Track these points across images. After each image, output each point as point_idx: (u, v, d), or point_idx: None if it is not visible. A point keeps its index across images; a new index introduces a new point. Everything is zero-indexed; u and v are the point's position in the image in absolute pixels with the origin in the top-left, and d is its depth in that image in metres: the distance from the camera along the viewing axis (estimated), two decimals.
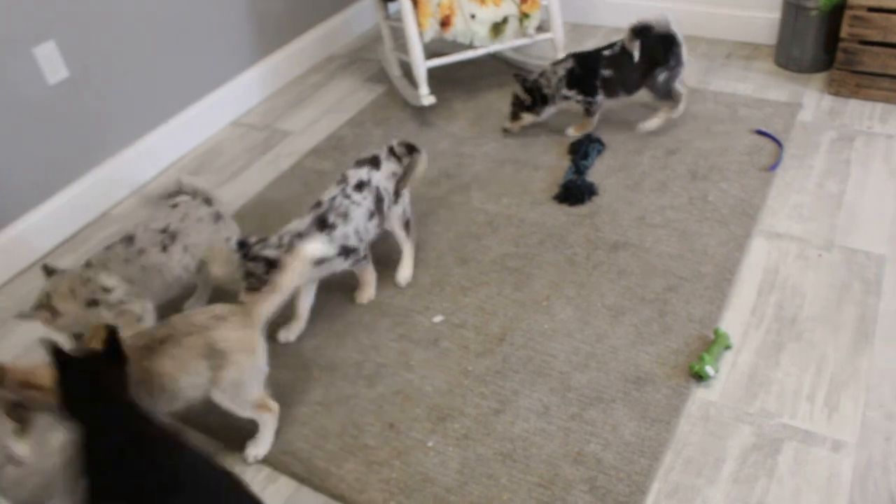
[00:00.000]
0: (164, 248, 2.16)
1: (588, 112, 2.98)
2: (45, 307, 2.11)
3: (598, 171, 2.81)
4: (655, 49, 2.80)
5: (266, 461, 1.94)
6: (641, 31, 2.80)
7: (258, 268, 2.05)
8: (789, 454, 1.82)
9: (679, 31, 2.80)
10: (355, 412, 2.03)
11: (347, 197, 2.22)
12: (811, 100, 3.11)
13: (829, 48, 3.19)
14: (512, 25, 3.18)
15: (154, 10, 3.01)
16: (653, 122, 2.96)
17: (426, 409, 2.02)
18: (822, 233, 2.45)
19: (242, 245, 2.08)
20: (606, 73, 2.87)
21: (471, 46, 3.19)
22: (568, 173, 2.78)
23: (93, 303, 2.10)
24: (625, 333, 2.16)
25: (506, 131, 3.11)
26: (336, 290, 2.38)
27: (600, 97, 2.93)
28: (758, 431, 1.88)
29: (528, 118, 3.03)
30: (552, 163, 2.90)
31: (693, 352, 2.08)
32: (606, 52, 2.88)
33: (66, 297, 2.09)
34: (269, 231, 2.16)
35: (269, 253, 2.06)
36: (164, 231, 2.18)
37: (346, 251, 2.21)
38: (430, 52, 3.22)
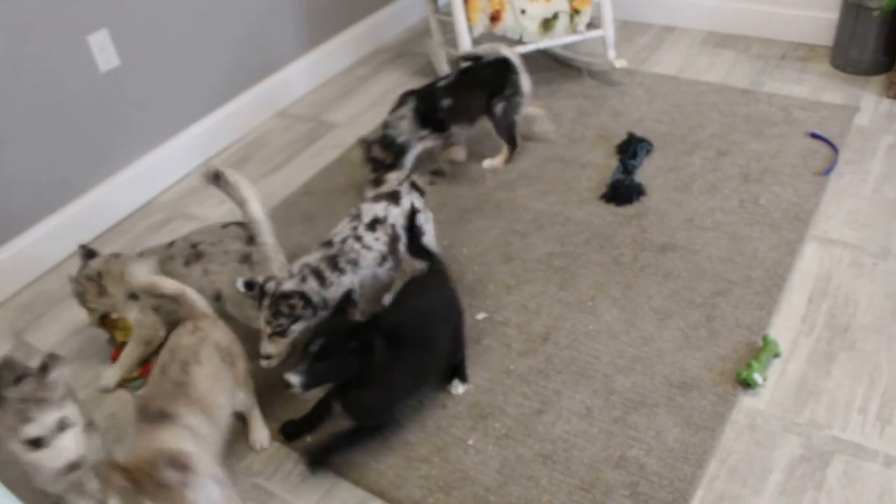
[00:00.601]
0: (186, 264, 2.08)
1: (451, 144, 2.89)
2: (95, 282, 2.15)
3: (647, 172, 2.77)
4: (491, 78, 2.75)
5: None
6: (469, 58, 2.82)
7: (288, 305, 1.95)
8: (839, 468, 1.77)
9: (516, 59, 2.75)
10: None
11: (359, 239, 2.09)
12: (869, 103, 3.03)
13: (889, 50, 3.10)
14: (562, 22, 3.14)
15: (204, 0, 3.03)
16: (495, 161, 2.91)
17: (467, 406, 2.00)
18: (878, 240, 2.38)
19: (250, 286, 1.95)
20: (446, 102, 2.77)
21: (520, 42, 3.16)
22: (615, 173, 2.74)
23: (133, 296, 2.12)
24: (671, 337, 2.13)
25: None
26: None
27: (453, 129, 2.82)
28: (806, 443, 1.83)
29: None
30: (599, 161, 2.86)
31: (741, 358, 2.03)
32: (442, 83, 2.81)
33: (117, 282, 2.13)
34: (310, 222, 2.16)
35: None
36: (193, 246, 2.10)
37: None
38: None
